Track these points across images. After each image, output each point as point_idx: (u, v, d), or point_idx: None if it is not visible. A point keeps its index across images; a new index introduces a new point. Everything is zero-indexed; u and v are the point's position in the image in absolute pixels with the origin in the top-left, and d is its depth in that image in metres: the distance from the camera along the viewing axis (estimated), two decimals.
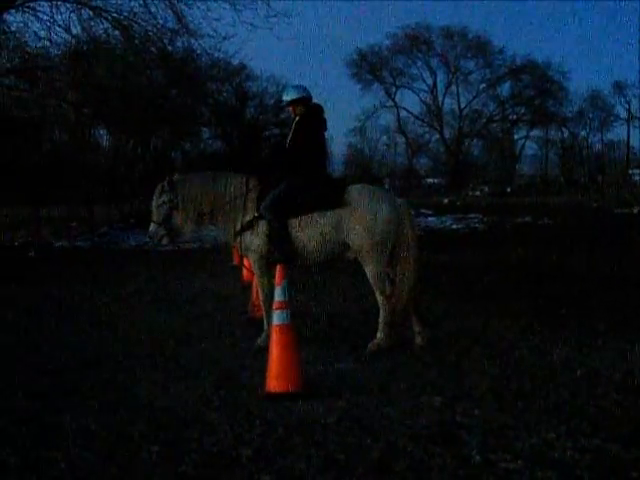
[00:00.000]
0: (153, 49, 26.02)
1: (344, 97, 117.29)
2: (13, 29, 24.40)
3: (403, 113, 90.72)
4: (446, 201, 59.28)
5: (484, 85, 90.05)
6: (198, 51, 28.43)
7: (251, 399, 7.51)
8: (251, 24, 27.79)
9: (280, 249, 9.78)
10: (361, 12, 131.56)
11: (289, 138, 10.52)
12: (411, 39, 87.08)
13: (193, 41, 26.64)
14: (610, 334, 9.97)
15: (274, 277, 9.45)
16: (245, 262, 15.96)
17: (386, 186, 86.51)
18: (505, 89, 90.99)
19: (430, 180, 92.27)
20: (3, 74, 24.53)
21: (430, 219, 39.54)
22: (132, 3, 24.86)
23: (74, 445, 6.40)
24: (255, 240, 9.95)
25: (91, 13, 24.59)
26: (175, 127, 58.69)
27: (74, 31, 24.93)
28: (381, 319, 9.74)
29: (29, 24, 24.37)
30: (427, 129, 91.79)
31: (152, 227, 10.37)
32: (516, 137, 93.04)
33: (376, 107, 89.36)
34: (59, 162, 32.36)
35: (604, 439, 6.21)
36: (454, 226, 34.97)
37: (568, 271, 16.43)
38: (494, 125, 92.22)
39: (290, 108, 10.57)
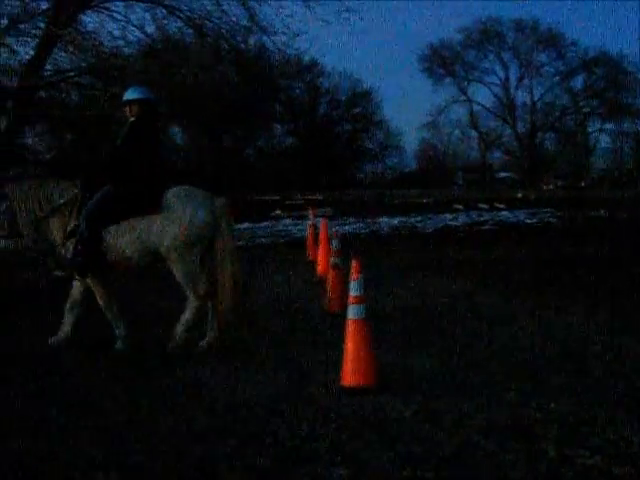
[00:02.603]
0: (226, 46, 26.16)
1: (416, 92, 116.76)
2: (89, 29, 24.74)
3: (476, 107, 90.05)
4: (519, 195, 58.67)
5: (557, 78, 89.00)
6: (270, 48, 28.56)
7: (326, 393, 7.53)
8: (323, 20, 27.86)
9: (79, 257, 9.53)
10: (433, 6, 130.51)
11: (118, 141, 10.26)
12: (483, 33, 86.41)
13: (265, 38, 26.81)
14: None
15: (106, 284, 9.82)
16: (319, 257, 16.09)
17: (459, 181, 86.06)
18: (578, 82, 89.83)
19: (503, 174, 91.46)
20: (79, 74, 24.80)
21: (503, 213, 39.22)
22: (205, 2, 25.07)
23: (151, 439, 6.48)
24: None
25: (165, 12, 24.86)
26: (248, 124, 59.08)
27: (148, 30, 25.25)
28: (184, 316, 9.57)
29: (104, 24, 24.71)
30: (500, 123, 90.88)
31: (1, 242, 10.10)
32: (590, 130, 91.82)
33: (448, 101, 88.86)
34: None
35: None
36: (528, 220, 34.65)
37: None
38: (567, 118, 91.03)
39: (127, 108, 10.18)
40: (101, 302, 9.95)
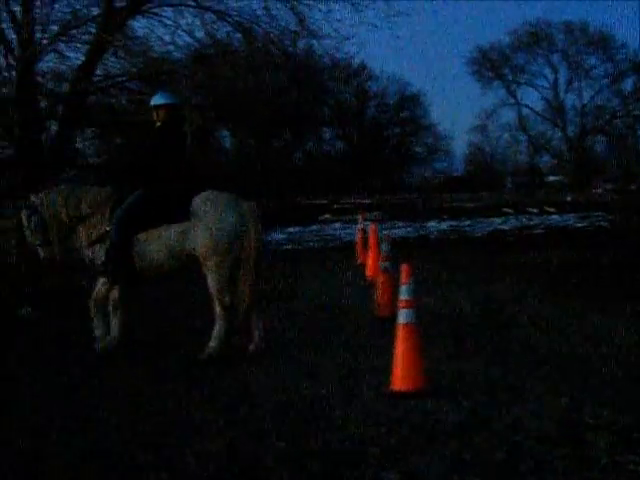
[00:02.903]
0: (275, 51, 26.19)
1: (465, 95, 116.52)
2: (139, 34, 24.90)
3: (525, 110, 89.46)
4: (569, 199, 58.26)
5: (607, 80, 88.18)
6: (319, 52, 28.53)
7: (376, 397, 7.52)
8: (372, 24, 27.72)
9: (110, 264, 9.58)
10: (481, 9, 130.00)
11: (146, 146, 10.31)
12: (532, 35, 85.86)
13: (314, 42, 26.73)
14: None
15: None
16: (369, 260, 16.08)
17: (508, 185, 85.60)
18: (628, 84, 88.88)
19: (552, 178, 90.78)
20: (128, 79, 24.96)
21: (553, 217, 39.00)
22: (254, 6, 25.09)
23: (201, 440, 6.51)
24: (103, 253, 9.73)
25: (214, 17, 24.90)
26: (296, 128, 59.22)
27: (197, 35, 25.32)
28: (216, 329, 9.52)
29: (154, 29, 24.84)
30: (549, 126, 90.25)
31: (40, 250, 10.12)
32: None
33: (497, 105, 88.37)
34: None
35: None
36: (578, 224, 34.41)
37: None
38: (617, 121, 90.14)
39: (154, 113, 10.19)
40: (112, 302, 9.97)
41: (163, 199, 9.66)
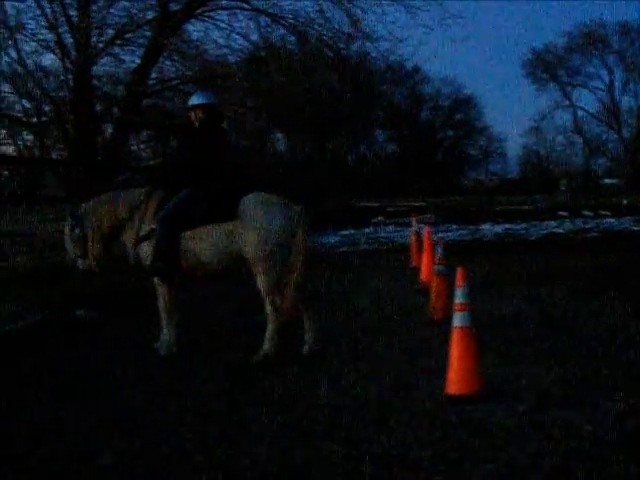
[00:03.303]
0: (329, 53, 26.22)
1: (519, 97, 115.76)
2: (193, 38, 25.07)
3: (580, 112, 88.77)
4: (625, 202, 57.68)
5: None
6: (373, 54, 28.59)
7: (431, 401, 7.47)
8: (426, 26, 27.74)
9: (159, 262, 9.57)
10: (536, 11, 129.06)
11: (187, 146, 10.32)
12: (586, 36, 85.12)
13: (368, 44, 26.78)
14: None
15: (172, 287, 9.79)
16: (423, 263, 16.02)
17: (562, 187, 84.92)
18: None
19: (608, 181, 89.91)
20: (183, 82, 25.12)
21: (609, 221, 38.65)
22: (308, 9, 25.16)
23: (255, 442, 6.51)
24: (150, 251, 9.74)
25: (268, 20, 25.02)
26: (350, 130, 59.21)
27: (252, 38, 25.45)
28: (268, 331, 9.50)
29: (209, 32, 25.00)
30: (605, 128, 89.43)
31: (79, 262, 10.24)
32: None
33: (552, 107, 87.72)
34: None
35: None
36: (634, 228, 34.05)
37: None
38: None
39: (192, 113, 10.23)
40: (161, 303, 10.00)
41: (209, 198, 9.66)
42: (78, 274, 11.53)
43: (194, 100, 10.25)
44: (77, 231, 10.06)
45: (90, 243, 10.04)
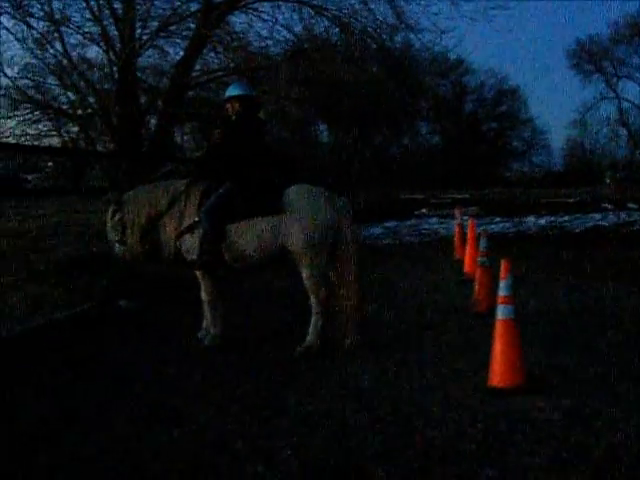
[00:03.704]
0: (372, 45, 26.18)
1: (564, 89, 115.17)
2: (237, 29, 25.10)
3: (625, 104, 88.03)
4: None
5: None
6: (417, 46, 28.53)
7: (474, 394, 7.47)
8: (470, 17, 27.63)
9: (206, 256, 9.58)
10: (581, 1, 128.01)
11: (225, 138, 10.22)
12: (632, 27, 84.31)
13: (412, 36, 26.70)
14: None
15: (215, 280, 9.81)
16: (466, 256, 15.98)
17: (607, 180, 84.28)
18: None
19: None
20: (227, 73, 25.15)
21: None
22: (352, 1, 25.12)
23: (298, 430, 6.56)
24: (196, 243, 9.69)
25: (312, 12, 24.99)
26: (393, 122, 59.04)
27: (295, 30, 25.45)
28: (312, 324, 9.49)
29: (252, 24, 25.03)
30: None
31: (116, 246, 10.28)
32: None
33: (597, 98, 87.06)
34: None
35: None
36: None
37: None
38: None
39: (228, 105, 10.22)
40: (205, 296, 10.02)
41: (252, 191, 9.67)
42: (121, 265, 11.62)
43: (230, 92, 10.25)
44: (117, 217, 10.15)
45: (129, 230, 10.12)
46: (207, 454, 6.11)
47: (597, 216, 36.36)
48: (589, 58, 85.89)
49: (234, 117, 10.17)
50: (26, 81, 23.86)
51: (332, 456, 5.98)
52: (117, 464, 5.99)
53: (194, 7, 23.82)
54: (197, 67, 25.00)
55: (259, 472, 5.74)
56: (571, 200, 49.37)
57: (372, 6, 24.77)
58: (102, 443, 6.41)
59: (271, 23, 24.73)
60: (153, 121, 26.18)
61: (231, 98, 10.18)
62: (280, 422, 6.83)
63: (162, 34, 23.43)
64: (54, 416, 7.14)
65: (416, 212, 41.65)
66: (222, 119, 12.03)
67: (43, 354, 9.57)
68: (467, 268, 15.61)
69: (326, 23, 25.42)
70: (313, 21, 25.35)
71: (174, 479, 5.71)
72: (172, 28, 23.57)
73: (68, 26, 21.91)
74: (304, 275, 9.54)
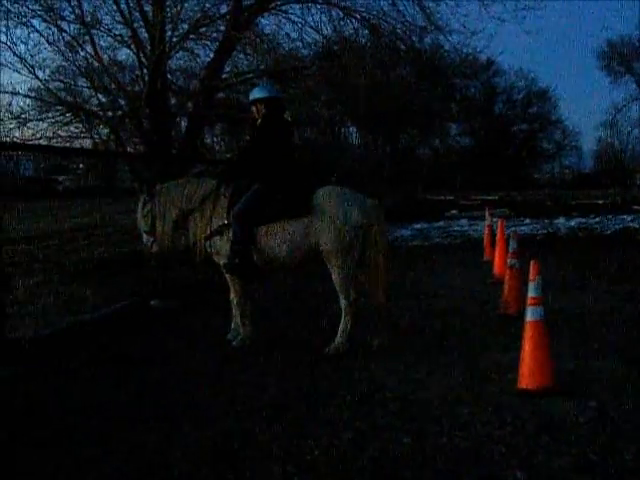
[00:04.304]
0: (401, 46, 26.14)
1: (594, 90, 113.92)
2: (266, 31, 25.14)
3: None
4: None
5: None
6: (446, 47, 28.41)
7: (502, 395, 7.47)
8: (499, 19, 27.45)
9: (236, 259, 9.63)
10: (611, 1, 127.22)
11: (252, 141, 10.30)
12: None
13: (441, 37, 26.61)
14: None
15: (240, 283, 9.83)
16: (496, 257, 15.94)
17: (637, 182, 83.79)
18: None
19: None
20: (257, 75, 25.21)
21: None
22: (381, 2, 25.11)
23: (328, 433, 6.57)
24: (225, 245, 9.76)
25: (341, 13, 24.97)
26: (423, 123, 59.00)
27: (324, 31, 25.44)
28: (342, 324, 9.49)
29: (282, 26, 25.05)
30: None
31: (144, 236, 10.41)
32: None
33: (627, 100, 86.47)
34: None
35: None
36: None
37: None
38: None
39: (254, 107, 10.25)
40: (234, 298, 10.11)
41: (281, 193, 9.69)
42: (153, 265, 11.68)
43: (255, 94, 10.29)
44: (148, 208, 10.27)
45: (158, 222, 10.22)
46: (235, 454, 6.16)
47: (627, 218, 36.15)
48: (620, 59, 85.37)
49: (260, 120, 10.20)
50: (57, 83, 23.96)
51: (363, 458, 6.00)
52: (146, 464, 6.05)
53: (224, 9, 23.86)
54: (227, 69, 25.04)
55: (288, 471, 5.77)
56: (601, 202, 49.10)
57: (401, 7, 24.73)
58: (134, 439, 6.48)
59: (300, 25, 24.73)
60: (183, 123, 26.26)
61: (256, 101, 10.22)
62: (308, 423, 6.87)
63: (192, 36, 23.48)
64: (84, 413, 7.23)
65: (446, 214, 41.58)
66: (250, 122, 12.09)
67: (75, 353, 9.66)
68: (497, 269, 15.59)
69: (355, 25, 25.37)
70: (342, 23, 25.31)
71: (204, 476, 5.75)
72: (202, 30, 23.61)
73: (99, 29, 22.01)
74: (334, 276, 9.56)
